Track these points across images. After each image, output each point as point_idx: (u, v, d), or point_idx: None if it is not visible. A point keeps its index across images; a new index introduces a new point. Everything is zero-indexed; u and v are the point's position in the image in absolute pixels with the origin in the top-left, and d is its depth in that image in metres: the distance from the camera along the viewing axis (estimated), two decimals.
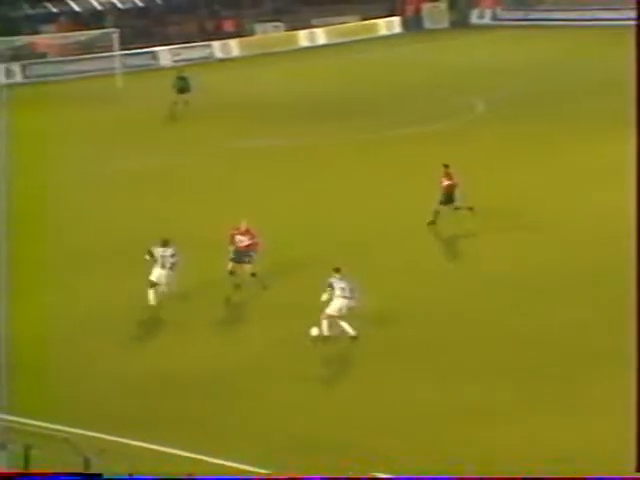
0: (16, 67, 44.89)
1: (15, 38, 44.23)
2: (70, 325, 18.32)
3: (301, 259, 21.09)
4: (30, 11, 49.99)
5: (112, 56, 45.17)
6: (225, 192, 26.53)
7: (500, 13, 61.02)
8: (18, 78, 44.78)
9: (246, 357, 16.99)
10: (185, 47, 51.02)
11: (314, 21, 57.66)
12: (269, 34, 55.67)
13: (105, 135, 34.66)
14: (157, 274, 18.64)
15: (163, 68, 48.75)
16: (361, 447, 13.50)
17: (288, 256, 21.04)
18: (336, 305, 16.96)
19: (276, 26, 56.52)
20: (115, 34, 44.96)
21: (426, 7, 61.04)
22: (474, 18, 61.38)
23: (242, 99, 39.99)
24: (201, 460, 12.99)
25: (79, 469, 11.75)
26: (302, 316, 17.60)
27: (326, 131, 33.17)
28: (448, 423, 14.28)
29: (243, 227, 19.29)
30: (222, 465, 12.83)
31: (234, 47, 53.07)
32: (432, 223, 22.69)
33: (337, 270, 17.26)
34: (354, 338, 16.90)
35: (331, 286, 17.03)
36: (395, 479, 11.79)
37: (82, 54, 46.51)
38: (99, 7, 52.10)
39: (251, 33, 54.83)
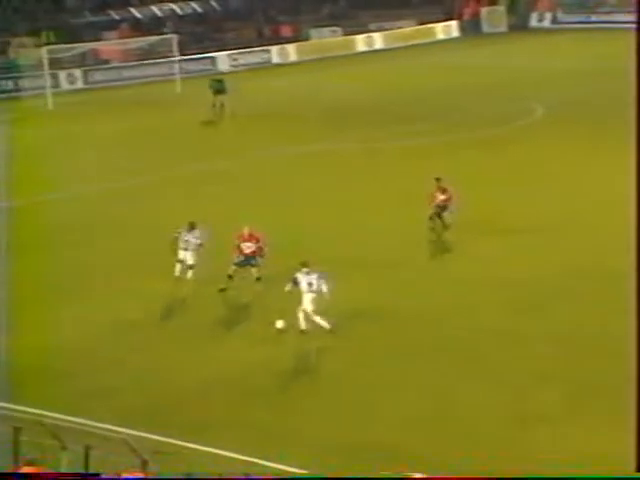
0: (78, 73, 45.65)
1: (78, 45, 44.96)
2: (125, 331, 18.51)
3: (360, 259, 21.08)
4: (92, 18, 50.81)
5: (171, 61, 45.70)
6: (282, 194, 26.66)
7: (561, 16, 60.24)
8: (79, 84, 45.54)
9: (298, 359, 17.02)
10: (243, 52, 51.42)
11: (371, 26, 57.68)
12: (326, 39, 55.79)
13: (163, 139, 35.04)
14: (182, 255, 19.91)
15: (221, 73, 49.18)
16: (409, 450, 13.43)
17: (345, 256, 21.05)
18: (307, 299, 17.25)
19: (333, 31, 56.65)
20: (174, 40, 45.47)
21: (484, 11, 60.60)
22: (533, 21, 60.74)
23: (299, 104, 40.10)
24: (256, 463, 13.01)
25: (138, 470, 11.86)
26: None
27: (383, 135, 33.09)
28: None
29: (246, 233, 19.67)
30: (276, 468, 12.84)
31: (291, 52, 53.30)
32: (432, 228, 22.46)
33: (304, 264, 17.48)
34: (331, 331, 17.21)
35: (295, 281, 17.34)
36: (429, 479, 11.78)
37: (142, 60, 47.11)
38: (159, 14, 52.77)
39: (307, 38, 55.02)
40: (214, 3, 54.85)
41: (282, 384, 16.12)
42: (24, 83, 42.92)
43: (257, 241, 19.61)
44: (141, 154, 32.53)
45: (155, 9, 52.80)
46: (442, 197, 22.28)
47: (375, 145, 31.79)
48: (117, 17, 51.31)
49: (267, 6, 56.48)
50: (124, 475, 11.42)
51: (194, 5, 54.29)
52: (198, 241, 19.91)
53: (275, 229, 21.38)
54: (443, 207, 22.34)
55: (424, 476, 11.48)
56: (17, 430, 12.70)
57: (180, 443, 13.56)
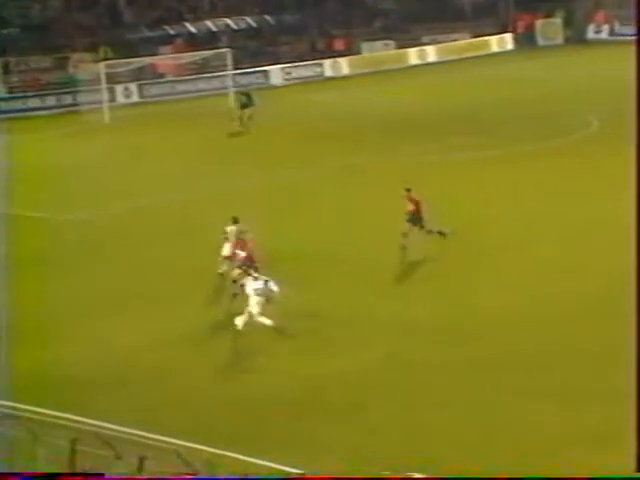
0: (133, 87, 46.32)
1: (134, 60, 45.60)
2: (181, 346, 18.68)
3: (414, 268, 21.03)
4: (149, 34, 51.53)
5: (224, 75, 46.12)
6: (334, 206, 26.75)
7: (618, 28, 59.41)
8: (135, 98, 46.20)
9: (347, 372, 17.03)
10: (295, 66, 51.69)
11: (424, 39, 57.56)
12: (379, 52, 55.84)
13: (217, 151, 35.38)
14: (227, 249, 20.71)
15: (274, 86, 49.53)
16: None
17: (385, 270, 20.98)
18: (253, 302, 18.25)
19: (386, 44, 56.67)
20: (228, 54, 45.90)
21: (539, 23, 60.08)
22: (590, 33, 60.00)
23: (350, 117, 40.15)
24: (304, 475, 13.04)
25: None
26: (408, 332, 17.57)
27: (435, 148, 32.98)
28: None
29: (235, 240, 20.26)
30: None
31: (344, 65, 53.43)
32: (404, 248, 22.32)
33: (254, 269, 18.85)
34: (275, 329, 18.04)
35: (242, 287, 18.55)
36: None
37: (197, 74, 47.63)
38: (214, 28, 53.31)
39: (359, 52, 55.14)
40: (269, 17, 55.25)
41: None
42: (82, 97, 43.65)
43: (245, 244, 20.04)
44: (195, 166, 32.86)
45: (210, 24, 53.36)
46: (411, 207, 22.32)
47: (427, 158, 31.70)
48: (172, 32, 51.97)
49: (321, 20, 56.72)
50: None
51: (249, 20, 54.73)
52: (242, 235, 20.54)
53: (329, 238, 21.43)
54: (418, 218, 22.18)
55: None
56: (73, 441, 12.88)
57: (230, 454, 13.63)
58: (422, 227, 22.29)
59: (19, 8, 50.00)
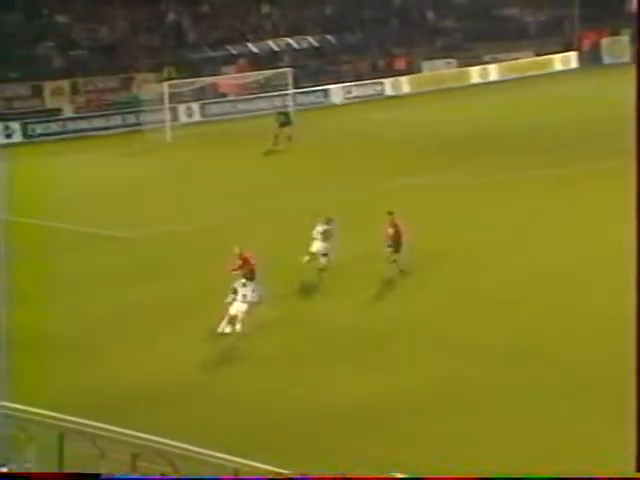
0: (195, 107, 46.92)
1: (196, 79, 46.19)
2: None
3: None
4: (212, 54, 52.19)
5: (285, 94, 46.45)
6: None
7: None
8: (197, 117, 46.78)
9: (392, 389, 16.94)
10: (356, 85, 51.84)
11: (486, 57, 57.27)
12: (440, 71, 55.71)
13: (278, 168, 35.60)
14: (316, 246, 22.56)
15: (334, 105, 49.72)
16: None
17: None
18: (234, 307, 19.47)
19: (448, 62, 56.53)
20: (289, 73, 46.22)
21: (605, 41, 59.28)
22: None
23: (410, 136, 40.09)
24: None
25: None
26: (461, 353, 17.41)
27: (496, 167, 32.73)
28: None
29: (237, 253, 20.76)
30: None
31: (405, 84, 53.41)
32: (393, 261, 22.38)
33: (244, 277, 19.89)
34: (242, 335, 19.18)
35: (235, 291, 19.64)
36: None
37: (258, 93, 48.04)
38: (276, 48, 53.77)
39: (419, 70, 55.10)
40: (330, 37, 55.55)
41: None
42: (145, 117, 44.35)
43: (246, 261, 20.66)
44: (254, 183, 33.09)
45: (272, 44, 53.85)
46: (390, 231, 22.22)
47: (488, 178, 31.47)
48: (235, 52, 52.57)
49: (382, 39, 56.86)
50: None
51: (310, 39, 55.11)
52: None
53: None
54: (396, 243, 22.02)
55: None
56: (134, 456, 13.03)
57: (286, 472, 13.65)
58: (397, 252, 22.17)
59: (87, 30, 51.10)
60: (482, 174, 32.08)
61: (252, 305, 19.56)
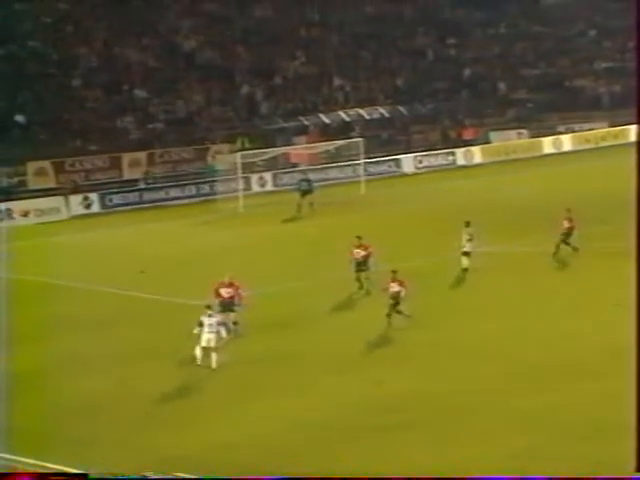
0: (268, 176, 47.73)
1: (269, 150, 47.07)
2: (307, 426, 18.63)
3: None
4: (284, 124, 53.21)
5: (356, 164, 46.95)
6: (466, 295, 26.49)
7: None
8: (269, 186, 47.56)
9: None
10: (427, 154, 52.12)
11: (560, 128, 57.08)
12: (512, 140, 55.68)
13: (345, 239, 35.74)
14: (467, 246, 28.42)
15: (405, 175, 50.01)
16: None
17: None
18: (204, 338, 20.67)
19: (520, 133, 56.51)
20: (361, 143, 46.78)
21: None
22: None
23: (479, 206, 39.90)
24: None
25: None
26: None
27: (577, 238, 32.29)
28: None
29: (227, 281, 22.13)
30: None
31: (476, 154, 53.51)
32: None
33: (208, 307, 21.24)
34: (213, 370, 20.50)
35: (201, 324, 20.78)
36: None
37: (329, 163, 48.66)
38: (347, 118, 54.55)
39: (488, 141, 55.18)
40: (401, 108, 56.16)
41: None
42: (219, 187, 45.25)
43: (236, 289, 22.08)
44: (322, 253, 33.27)
45: (343, 114, 54.67)
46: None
47: (545, 247, 31.12)
48: (307, 122, 53.50)
49: (453, 109, 57.24)
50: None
51: (381, 110, 55.79)
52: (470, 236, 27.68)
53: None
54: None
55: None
56: None
57: None
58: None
59: (164, 104, 52.71)
60: (539, 244, 31.74)
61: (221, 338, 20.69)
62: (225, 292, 22.11)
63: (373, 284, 25.99)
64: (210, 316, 20.85)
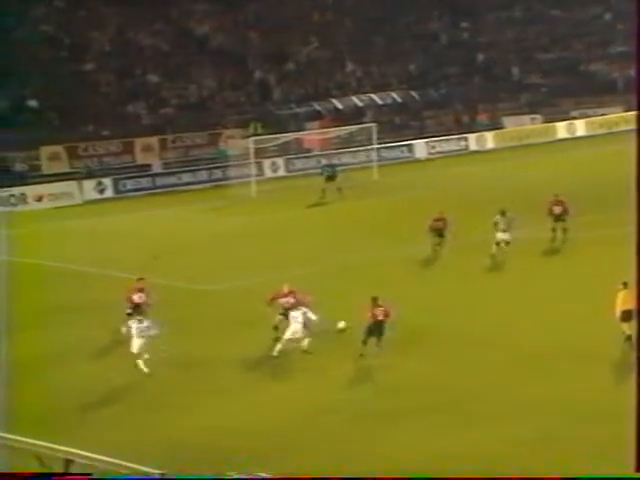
0: (280, 162, 47.71)
1: (281, 135, 46.99)
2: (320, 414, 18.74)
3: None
4: (297, 109, 53.15)
5: (369, 149, 46.87)
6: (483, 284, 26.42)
7: None
8: (281, 172, 47.54)
9: None
10: (440, 140, 51.98)
11: (573, 113, 56.80)
12: (525, 126, 55.44)
13: (359, 224, 35.76)
14: (500, 236, 28.59)
15: (418, 160, 49.90)
16: None
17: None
18: (290, 330, 21.10)
19: (534, 118, 56.26)
20: (373, 128, 46.69)
21: None
22: None
23: (491, 191, 39.72)
24: None
25: None
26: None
27: (582, 224, 32.19)
28: None
29: (286, 290, 22.22)
30: None
31: (489, 139, 53.32)
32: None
33: (283, 311, 21.66)
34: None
35: (286, 315, 21.44)
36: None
37: (341, 148, 48.58)
38: (360, 104, 54.43)
39: (502, 126, 54.93)
40: (414, 93, 56.00)
41: None
42: (231, 172, 45.26)
43: (295, 296, 21.97)
44: (336, 238, 33.28)
45: (356, 99, 54.55)
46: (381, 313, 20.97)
47: (569, 235, 31.03)
48: (319, 108, 53.41)
49: (467, 95, 57.02)
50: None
51: (394, 95, 55.64)
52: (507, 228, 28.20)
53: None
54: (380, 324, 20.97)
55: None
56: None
57: None
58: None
59: (176, 89, 52.72)
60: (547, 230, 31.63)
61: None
62: (285, 302, 22.08)
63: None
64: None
